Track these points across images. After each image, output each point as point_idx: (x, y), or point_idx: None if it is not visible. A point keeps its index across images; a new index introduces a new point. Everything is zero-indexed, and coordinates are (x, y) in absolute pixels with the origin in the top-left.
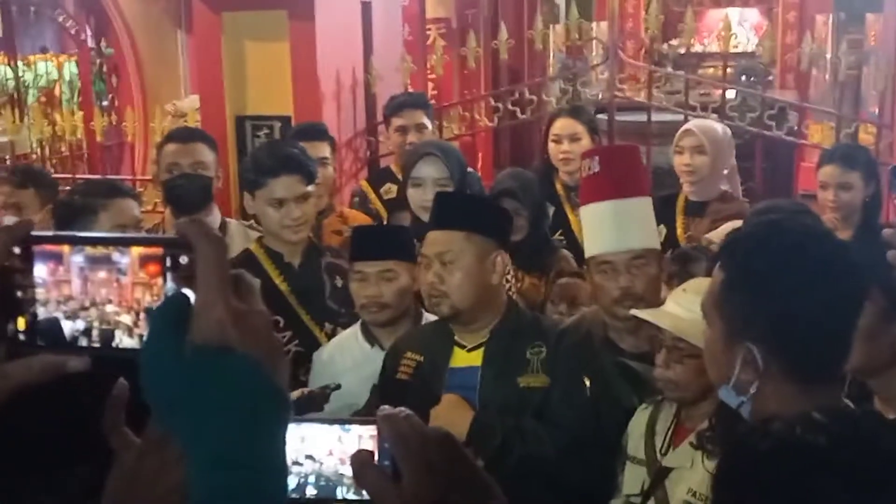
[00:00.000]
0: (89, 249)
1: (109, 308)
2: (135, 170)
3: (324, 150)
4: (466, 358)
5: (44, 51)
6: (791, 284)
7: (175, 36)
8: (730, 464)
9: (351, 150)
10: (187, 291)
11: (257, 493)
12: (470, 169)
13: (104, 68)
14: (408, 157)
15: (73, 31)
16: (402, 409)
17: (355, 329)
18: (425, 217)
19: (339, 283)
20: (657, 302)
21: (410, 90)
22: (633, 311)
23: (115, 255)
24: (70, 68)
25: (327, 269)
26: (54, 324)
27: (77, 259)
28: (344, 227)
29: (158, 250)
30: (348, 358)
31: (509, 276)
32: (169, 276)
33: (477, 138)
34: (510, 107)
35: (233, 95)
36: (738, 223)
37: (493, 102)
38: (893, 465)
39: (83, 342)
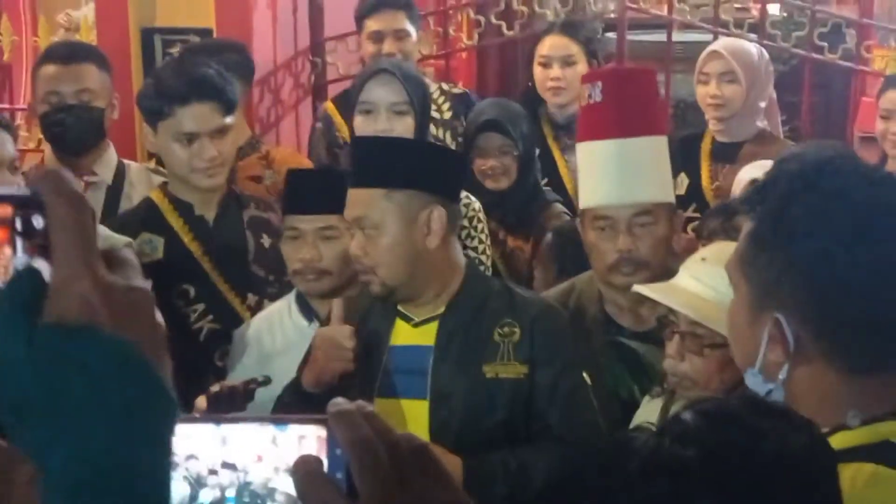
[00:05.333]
0: None
1: None
2: (13, 97)
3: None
4: (412, 334)
5: None
6: (833, 238)
7: None
8: (604, 483)
9: (290, 73)
10: (42, 264)
11: None
12: (463, 88)
13: None
14: (357, 77)
15: None
16: (362, 403)
17: (288, 300)
18: None
19: (266, 242)
20: (665, 269)
21: None
22: (637, 287)
23: None
24: None
25: (251, 226)
26: None
27: None
28: (266, 173)
29: (6, 210)
30: (279, 337)
31: (484, 237)
32: (19, 243)
33: (454, 61)
34: (495, 21)
35: (138, 2)
36: (762, 165)
37: (473, 15)
38: (773, 469)
39: None
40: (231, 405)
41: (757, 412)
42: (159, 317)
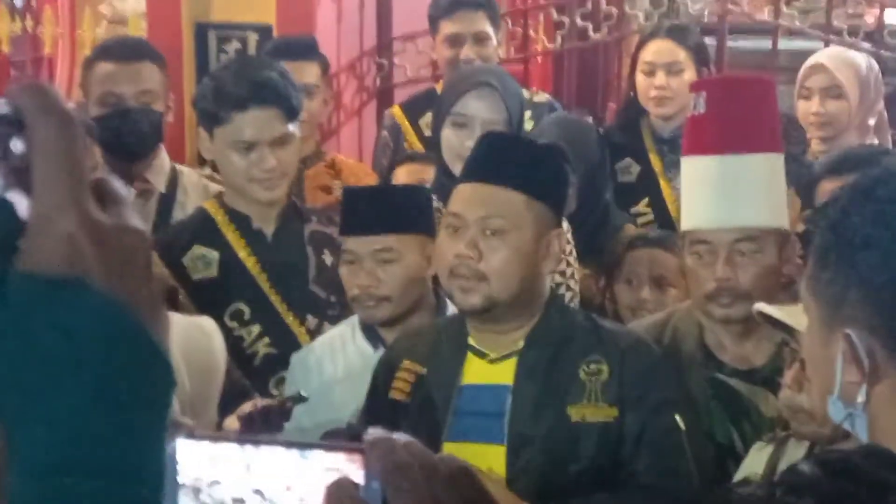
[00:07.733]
0: None
1: None
2: None
3: (311, 73)
4: (488, 372)
5: None
6: (891, 243)
7: None
8: None
9: (354, 75)
10: (19, 197)
11: None
12: (547, 96)
13: None
14: (450, 84)
15: None
16: (400, 433)
17: (352, 324)
18: (459, 170)
19: (327, 259)
20: (771, 302)
21: None
22: (759, 306)
23: None
24: None
25: (313, 241)
26: None
27: None
28: (335, 183)
29: None
30: (341, 364)
31: (572, 260)
32: None
33: (531, 66)
34: (580, 22)
35: None
36: None
37: (555, 16)
38: None
39: None
40: (266, 426)
41: (880, 463)
42: (157, 269)
